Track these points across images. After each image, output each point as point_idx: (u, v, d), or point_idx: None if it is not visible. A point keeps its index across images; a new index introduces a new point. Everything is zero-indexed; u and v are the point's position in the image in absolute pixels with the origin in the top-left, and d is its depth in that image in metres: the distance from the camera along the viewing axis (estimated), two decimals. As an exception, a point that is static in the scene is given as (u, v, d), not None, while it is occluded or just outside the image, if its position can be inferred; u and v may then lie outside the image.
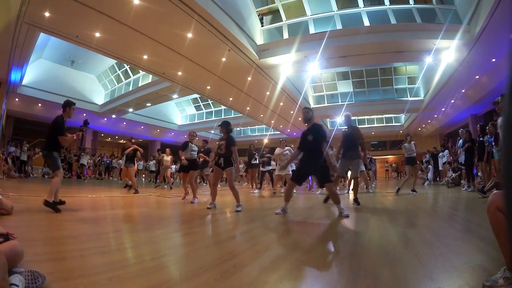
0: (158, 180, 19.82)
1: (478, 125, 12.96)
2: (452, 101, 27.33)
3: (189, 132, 11.10)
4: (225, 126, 8.09)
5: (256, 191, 15.42)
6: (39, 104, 29.81)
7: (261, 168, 17.64)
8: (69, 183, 19.06)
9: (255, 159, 16.09)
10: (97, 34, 16.12)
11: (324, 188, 8.35)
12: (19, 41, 16.85)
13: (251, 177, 17.05)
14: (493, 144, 10.56)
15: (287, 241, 4.27)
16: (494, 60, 18.43)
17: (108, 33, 16.05)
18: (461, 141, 14.12)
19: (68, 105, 7.96)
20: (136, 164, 14.27)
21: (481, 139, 12.15)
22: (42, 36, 19.15)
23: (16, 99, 27.98)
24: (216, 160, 8.16)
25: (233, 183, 7.97)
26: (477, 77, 21.71)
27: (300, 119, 35.05)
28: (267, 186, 19.06)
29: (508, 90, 0.92)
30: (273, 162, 17.07)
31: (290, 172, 13.46)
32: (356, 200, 8.75)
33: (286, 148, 13.82)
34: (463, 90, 24.68)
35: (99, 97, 34.26)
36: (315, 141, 6.78)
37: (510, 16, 12.23)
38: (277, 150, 13.59)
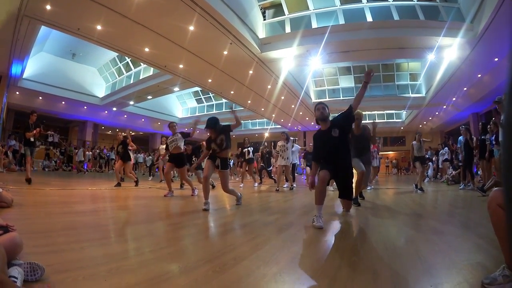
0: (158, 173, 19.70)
1: (480, 123, 12.93)
2: (454, 99, 27.36)
3: (170, 124, 10.55)
4: (216, 125, 6.88)
5: (256, 184, 15.31)
6: (40, 97, 29.90)
7: (261, 164, 17.57)
8: (69, 176, 19.09)
9: (249, 153, 15.43)
10: (99, 27, 16.10)
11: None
12: (20, 34, 16.83)
13: (250, 173, 16.70)
14: (494, 143, 10.53)
15: (286, 235, 4.27)
16: (496, 59, 18.44)
17: (109, 25, 16.04)
18: (461, 138, 14.07)
19: (31, 113, 11.30)
20: (132, 158, 14.02)
21: (482, 137, 12.12)
22: (43, 29, 19.12)
23: (17, 93, 27.99)
24: (210, 153, 7.06)
25: (228, 186, 7.17)
26: (479, 75, 21.72)
27: (307, 119, 35.29)
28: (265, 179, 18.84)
29: (508, 90, 0.91)
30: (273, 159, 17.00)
31: (289, 164, 13.31)
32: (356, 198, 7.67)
33: (290, 139, 13.52)
34: (465, 88, 24.71)
35: (100, 90, 34.28)
36: (341, 139, 5.40)
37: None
38: (280, 143, 13.25)
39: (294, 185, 13.52)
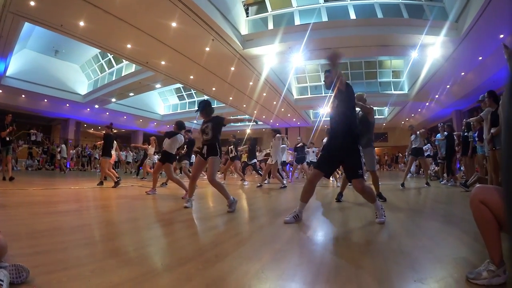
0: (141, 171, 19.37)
1: (464, 120, 13.06)
2: (437, 96, 27.61)
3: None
4: (205, 108, 6.70)
5: (246, 183, 14.81)
6: (23, 95, 29.62)
7: (245, 161, 17.18)
8: (53, 175, 18.90)
9: (232, 151, 15.37)
10: (82, 23, 15.95)
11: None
12: (4, 31, 16.74)
13: (235, 169, 16.48)
14: (477, 139, 10.67)
15: (269, 231, 4.32)
16: (480, 58, 18.73)
17: (92, 22, 15.91)
18: (438, 135, 14.24)
19: (6, 114, 12.46)
20: (114, 155, 13.69)
21: (465, 134, 12.28)
22: (26, 25, 18.85)
23: (0, 91, 27.68)
24: (199, 149, 6.76)
25: (214, 175, 6.40)
26: (463, 73, 22.01)
27: (289, 115, 35.21)
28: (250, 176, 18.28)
29: (508, 90, 0.94)
30: (258, 153, 16.63)
31: (275, 164, 12.96)
32: (380, 195, 7.56)
33: (278, 136, 13.11)
34: (448, 86, 24.89)
35: (82, 87, 33.92)
36: (341, 109, 4.95)
37: (509, 15, 12.31)
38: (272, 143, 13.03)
39: (285, 183, 13.00)
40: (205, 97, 36.01)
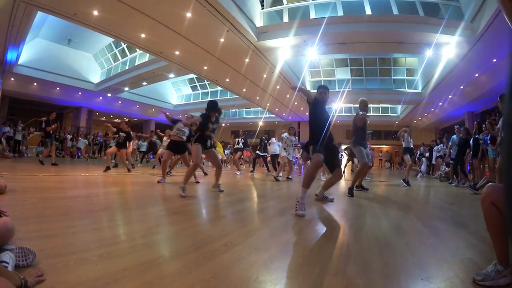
0: (154, 160, 19.55)
1: (476, 122, 12.92)
2: (450, 96, 27.38)
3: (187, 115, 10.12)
4: (218, 108, 7.36)
5: (239, 173, 15.42)
6: (35, 84, 29.93)
7: (257, 152, 17.49)
8: (63, 162, 19.00)
9: (238, 143, 16.28)
10: (95, 12, 15.94)
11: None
12: (16, 20, 16.81)
13: (234, 160, 17.14)
14: (489, 142, 10.58)
15: (278, 223, 4.32)
16: (495, 60, 18.48)
17: (106, 11, 15.89)
18: (454, 136, 14.11)
19: (50, 112, 14.50)
20: (131, 145, 14.06)
21: (476, 136, 12.16)
22: (39, 14, 19.01)
23: (12, 79, 27.97)
24: (202, 136, 7.14)
25: (219, 161, 7.57)
26: (477, 75, 21.73)
27: (302, 109, 35.17)
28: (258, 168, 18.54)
29: (508, 91, 0.92)
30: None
31: (292, 159, 13.51)
32: (360, 187, 9.21)
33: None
34: (461, 87, 24.69)
35: (95, 75, 34.14)
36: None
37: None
38: (288, 136, 13.28)
39: (281, 175, 13.29)
40: (218, 89, 36.30)
